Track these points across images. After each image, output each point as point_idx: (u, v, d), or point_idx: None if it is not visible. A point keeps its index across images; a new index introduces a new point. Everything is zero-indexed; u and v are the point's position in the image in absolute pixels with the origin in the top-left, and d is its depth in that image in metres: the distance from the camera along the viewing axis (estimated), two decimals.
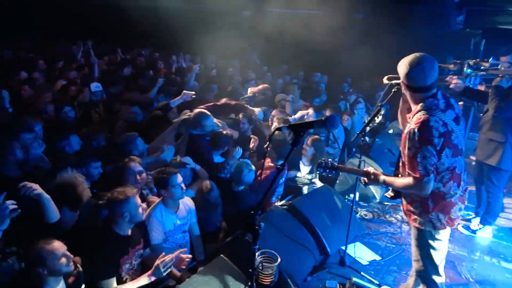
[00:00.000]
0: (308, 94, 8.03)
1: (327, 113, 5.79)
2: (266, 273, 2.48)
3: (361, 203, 5.00)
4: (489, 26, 6.99)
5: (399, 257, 3.92)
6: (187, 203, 3.49)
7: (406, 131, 2.43)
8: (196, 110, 4.47)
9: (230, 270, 2.81)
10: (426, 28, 7.34)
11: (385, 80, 3.07)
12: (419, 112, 2.37)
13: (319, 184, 4.92)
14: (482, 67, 3.80)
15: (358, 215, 4.69)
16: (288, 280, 2.90)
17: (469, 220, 4.57)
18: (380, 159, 5.71)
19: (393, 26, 7.73)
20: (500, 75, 3.70)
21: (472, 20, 7.53)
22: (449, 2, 7.11)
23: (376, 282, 3.44)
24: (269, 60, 10.85)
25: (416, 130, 2.31)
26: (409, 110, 2.65)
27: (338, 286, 3.32)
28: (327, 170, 2.91)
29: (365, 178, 2.72)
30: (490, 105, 3.86)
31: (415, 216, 2.56)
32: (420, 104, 2.40)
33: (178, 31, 10.22)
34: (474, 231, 4.43)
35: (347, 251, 3.71)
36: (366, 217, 4.69)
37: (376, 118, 3.34)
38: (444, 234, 2.57)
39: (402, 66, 2.41)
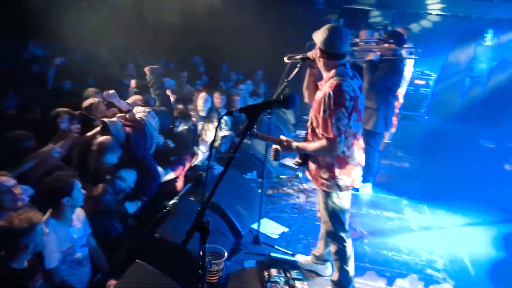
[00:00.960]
0: (189, 77, 7.80)
1: (216, 95, 5.70)
2: (213, 271, 2.34)
3: (259, 180, 5.15)
4: (347, 6, 7.88)
5: (304, 225, 4.19)
6: (77, 212, 3.03)
7: (321, 95, 2.55)
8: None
9: (153, 276, 2.57)
10: (294, 8, 7.81)
11: (286, 59, 3.12)
12: (332, 78, 2.53)
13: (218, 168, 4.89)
14: (354, 43, 4.20)
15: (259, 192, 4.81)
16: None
17: None
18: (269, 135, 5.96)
19: (263, 8, 7.99)
20: (372, 50, 4.15)
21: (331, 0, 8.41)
22: None
23: (290, 252, 3.61)
24: (140, 44, 10.16)
25: (331, 93, 2.45)
26: (314, 83, 2.78)
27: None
28: (247, 137, 2.88)
29: (278, 146, 2.78)
30: (365, 79, 4.32)
31: (323, 181, 2.73)
32: (333, 71, 2.56)
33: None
34: (357, 189, 4.99)
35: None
36: (267, 193, 4.85)
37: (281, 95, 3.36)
38: (347, 194, 2.82)
39: (322, 33, 2.52)
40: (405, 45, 4.42)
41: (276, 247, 3.70)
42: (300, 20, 8.06)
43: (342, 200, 2.77)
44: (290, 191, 4.98)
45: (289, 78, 3.36)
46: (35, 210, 2.39)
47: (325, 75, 2.63)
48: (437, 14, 8.66)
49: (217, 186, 1.62)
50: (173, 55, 9.71)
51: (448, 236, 4.17)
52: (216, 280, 2.41)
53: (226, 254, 2.47)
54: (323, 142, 2.56)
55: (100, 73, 7.26)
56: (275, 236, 3.93)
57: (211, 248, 2.50)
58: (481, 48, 7.87)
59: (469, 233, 4.25)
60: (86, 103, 4.33)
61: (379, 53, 4.18)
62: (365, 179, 4.95)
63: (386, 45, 4.21)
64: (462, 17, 8.32)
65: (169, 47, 9.75)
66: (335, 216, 2.81)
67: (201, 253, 1.62)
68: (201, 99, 5.46)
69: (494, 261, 3.79)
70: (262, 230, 3.89)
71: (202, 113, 5.46)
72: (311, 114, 2.73)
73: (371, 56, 4.18)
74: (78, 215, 2.97)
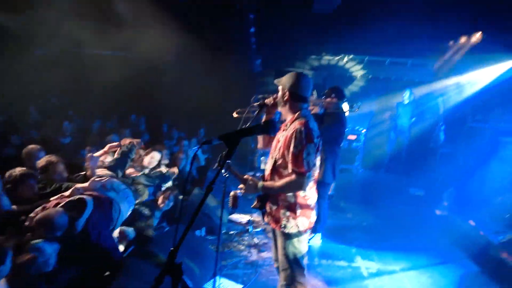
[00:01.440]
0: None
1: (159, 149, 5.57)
2: None
3: (208, 237, 4.95)
4: (281, 68, 8.49)
5: (258, 281, 4.05)
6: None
7: (288, 133, 2.61)
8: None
9: None
10: (234, 69, 8.24)
11: (235, 114, 3.21)
12: (299, 119, 2.66)
13: None
14: None
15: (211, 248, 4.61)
16: None
17: None
18: (216, 191, 5.86)
19: (207, 70, 8.32)
20: (313, 104, 4.43)
21: (266, 63, 9.02)
22: (250, 50, 8.24)
23: None
24: (73, 104, 9.81)
25: (302, 129, 2.56)
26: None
27: None
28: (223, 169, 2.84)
29: (239, 190, 2.78)
30: None
31: (284, 222, 2.71)
32: (298, 112, 2.70)
33: None
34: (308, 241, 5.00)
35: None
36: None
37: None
38: (306, 237, 2.81)
39: (290, 77, 2.70)
40: (345, 99, 4.78)
41: None
42: (240, 80, 8.47)
43: (301, 243, 2.76)
44: (241, 246, 4.83)
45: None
46: None
47: (289, 117, 2.75)
48: (361, 76, 9.67)
49: (192, 223, 1.52)
50: (110, 113, 9.48)
51: (397, 280, 4.28)
52: None
53: None
54: (292, 177, 2.58)
55: (27, 132, 6.79)
56: None
57: None
58: (401, 106, 8.82)
59: (414, 276, 4.41)
60: (42, 161, 3.87)
61: (322, 107, 4.48)
62: (314, 230, 4.99)
63: (328, 99, 4.54)
64: (382, 79, 9.37)
65: (106, 105, 9.54)
66: (296, 261, 2.77)
67: None
68: (149, 157, 5.27)
69: None
70: None
71: (146, 170, 5.25)
72: (273, 155, 2.78)
73: (315, 110, 4.46)
74: None
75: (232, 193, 5.26)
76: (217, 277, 3.94)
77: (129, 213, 3.93)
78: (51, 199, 3.38)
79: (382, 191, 7.74)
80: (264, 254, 4.65)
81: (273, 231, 2.97)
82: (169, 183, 5.41)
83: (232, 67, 8.33)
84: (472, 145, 7.45)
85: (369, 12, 7.75)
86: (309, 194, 2.74)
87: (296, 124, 2.62)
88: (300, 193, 2.69)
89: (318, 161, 2.71)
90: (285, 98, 2.73)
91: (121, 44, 8.78)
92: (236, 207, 5.30)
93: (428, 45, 7.90)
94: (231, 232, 5.17)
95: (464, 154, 7.61)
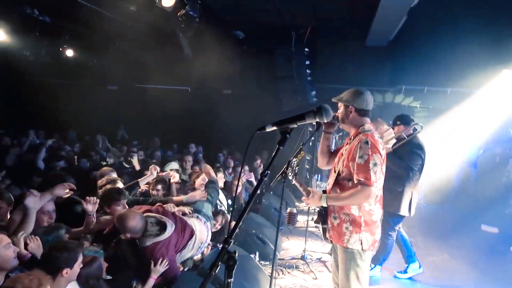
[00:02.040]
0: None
1: (219, 175, 5.73)
2: None
3: (261, 262, 4.84)
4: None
5: None
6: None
7: (354, 144, 2.61)
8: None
9: None
10: (292, 101, 8.39)
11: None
12: (363, 132, 2.65)
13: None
14: None
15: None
16: None
17: None
18: (269, 219, 5.79)
19: (262, 100, 8.56)
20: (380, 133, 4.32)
21: (320, 94, 9.09)
22: (305, 81, 8.39)
23: None
24: (138, 134, 10.54)
25: (368, 139, 2.54)
26: (328, 148, 2.89)
27: None
28: (290, 175, 2.88)
29: (306, 197, 2.75)
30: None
31: (346, 237, 2.61)
32: (361, 126, 2.69)
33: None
34: (405, 271, 4.71)
35: None
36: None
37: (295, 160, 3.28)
38: (369, 255, 2.68)
39: (355, 92, 2.71)
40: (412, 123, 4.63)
41: None
42: (297, 111, 8.55)
43: (364, 262, 2.62)
44: (296, 274, 4.67)
45: (305, 143, 3.44)
46: (44, 273, 2.19)
47: (353, 131, 2.75)
48: (421, 108, 9.35)
49: (245, 212, 1.52)
50: (171, 143, 10.01)
51: None
52: None
53: None
54: (357, 188, 2.53)
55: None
56: None
57: None
58: None
59: None
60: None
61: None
62: (377, 261, 4.65)
63: (396, 127, 4.52)
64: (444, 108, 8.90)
65: (167, 136, 10.12)
66: (357, 279, 2.61)
67: None
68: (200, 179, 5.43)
69: None
70: None
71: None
72: (335, 169, 2.77)
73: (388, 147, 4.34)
74: None
75: (288, 210, 5.22)
76: None
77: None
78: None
79: (450, 227, 7.16)
80: (319, 282, 4.44)
81: (334, 249, 2.87)
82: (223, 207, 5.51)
83: (288, 99, 8.48)
84: None
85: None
86: (374, 209, 2.64)
87: (361, 136, 2.60)
88: (365, 207, 2.61)
89: (382, 174, 2.62)
90: (350, 112, 2.72)
91: (182, 78, 9.43)
92: (293, 224, 5.24)
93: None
94: (286, 258, 5.03)
95: None
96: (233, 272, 1.43)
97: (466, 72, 7.61)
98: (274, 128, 1.67)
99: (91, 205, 3.42)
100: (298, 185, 2.84)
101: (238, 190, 6.27)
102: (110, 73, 9.96)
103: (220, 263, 1.43)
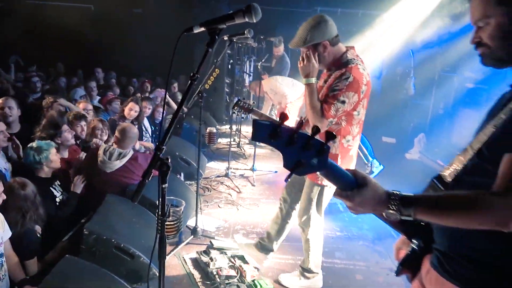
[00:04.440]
0: (99, 90, 7.31)
1: (144, 104, 5.47)
2: (171, 222, 2.10)
3: (187, 182, 4.94)
4: None
5: (238, 216, 4.14)
6: None
7: (337, 75, 2.39)
8: None
9: (86, 268, 2.24)
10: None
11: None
12: (345, 66, 2.36)
13: None
14: None
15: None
16: None
17: None
18: (191, 141, 5.79)
19: (177, 21, 7.98)
20: None
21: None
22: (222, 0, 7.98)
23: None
24: (35, 60, 9.27)
25: (350, 75, 2.31)
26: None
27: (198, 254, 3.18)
28: (242, 111, 2.83)
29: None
30: None
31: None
32: (343, 55, 2.43)
33: None
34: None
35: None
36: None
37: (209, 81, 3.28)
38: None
39: (317, 24, 2.36)
40: None
41: (216, 237, 3.56)
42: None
43: (329, 195, 2.69)
44: (221, 189, 4.87)
45: (219, 59, 3.37)
46: None
47: (335, 66, 2.46)
48: None
49: (172, 125, 1.47)
50: (76, 69, 9.08)
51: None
52: (174, 234, 2.18)
53: (184, 204, 2.26)
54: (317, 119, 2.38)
55: None
56: (213, 229, 3.79)
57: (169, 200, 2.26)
58: None
59: None
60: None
61: None
62: None
63: None
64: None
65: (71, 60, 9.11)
66: (320, 206, 2.73)
67: (160, 196, 1.46)
68: (127, 108, 5.14)
69: None
70: (199, 225, 3.72)
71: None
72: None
73: None
74: None
75: (208, 130, 5.29)
76: (199, 215, 4.00)
77: None
78: None
79: None
80: (243, 195, 4.71)
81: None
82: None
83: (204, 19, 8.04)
84: (441, 93, 7.69)
85: None
86: (353, 143, 2.55)
87: (344, 70, 2.35)
88: (344, 144, 2.50)
89: (358, 111, 2.43)
90: (325, 48, 2.39)
91: None
92: (213, 143, 5.35)
93: None
94: (210, 177, 5.19)
95: (434, 103, 7.86)
96: (167, 178, 1.43)
97: None
98: (202, 29, 1.54)
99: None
100: (257, 117, 2.74)
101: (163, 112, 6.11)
102: None
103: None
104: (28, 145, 3.16)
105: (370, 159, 5.16)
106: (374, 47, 8.56)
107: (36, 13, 9.29)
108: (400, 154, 7.09)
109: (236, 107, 3.04)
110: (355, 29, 9.10)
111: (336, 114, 2.35)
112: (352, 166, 2.58)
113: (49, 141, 3.31)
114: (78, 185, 3.38)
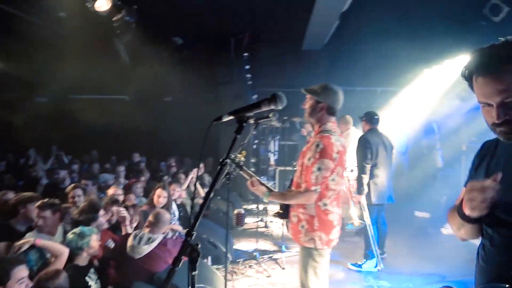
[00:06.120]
0: (130, 174, 7.60)
1: (172, 187, 5.57)
2: None
3: (215, 266, 4.81)
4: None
5: None
6: None
7: (309, 144, 2.66)
8: None
9: None
10: (233, 106, 8.41)
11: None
12: (320, 134, 2.66)
13: None
14: None
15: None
16: None
17: None
18: (218, 223, 5.76)
19: (204, 106, 8.52)
20: None
21: (262, 97, 9.22)
22: (246, 85, 8.55)
23: None
24: (73, 149, 9.88)
25: (320, 142, 2.56)
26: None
27: None
28: (234, 167, 2.86)
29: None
30: None
31: (302, 235, 2.65)
32: (323, 125, 2.68)
33: None
34: (360, 266, 4.89)
35: None
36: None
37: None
38: (327, 252, 2.69)
39: (330, 89, 2.67)
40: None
41: None
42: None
43: (323, 258, 2.65)
44: (249, 273, 4.70)
45: (246, 141, 3.50)
46: None
47: (316, 127, 2.74)
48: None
49: (202, 210, 1.51)
50: (109, 156, 9.55)
51: None
52: None
53: None
54: (300, 190, 2.60)
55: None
56: None
57: None
58: None
59: None
60: None
61: None
62: (368, 256, 4.90)
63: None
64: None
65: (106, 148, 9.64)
66: (315, 275, 2.64)
67: (189, 284, 1.43)
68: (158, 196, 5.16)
69: None
70: None
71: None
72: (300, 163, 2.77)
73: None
74: None
75: (236, 211, 5.25)
76: None
77: None
78: None
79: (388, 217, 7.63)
80: (272, 279, 4.52)
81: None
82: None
83: (229, 104, 8.53)
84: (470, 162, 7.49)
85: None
86: (331, 209, 2.64)
87: (316, 138, 2.62)
88: (321, 207, 2.61)
89: (332, 179, 2.60)
90: (321, 109, 2.68)
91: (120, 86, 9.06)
92: (241, 225, 5.27)
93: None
94: (238, 260, 5.05)
95: (464, 172, 7.64)
96: (197, 264, 1.43)
97: (393, 72, 8.29)
98: (231, 117, 1.66)
99: None
100: (244, 174, 2.82)
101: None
102: (39, 84, 9.25)
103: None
104: (72, 231, 3.24)
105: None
106: (396, 123, 8.67)
107: (76, 107, 10.12)
108: (436, 229, 6.74)
109: (231, 162, 2.95)
110: (375, 105, 9.35)
111: (316, 181, 2.52)
112: (334, 233, 2.65)
113: (91, 227, 3.38)
114: None
